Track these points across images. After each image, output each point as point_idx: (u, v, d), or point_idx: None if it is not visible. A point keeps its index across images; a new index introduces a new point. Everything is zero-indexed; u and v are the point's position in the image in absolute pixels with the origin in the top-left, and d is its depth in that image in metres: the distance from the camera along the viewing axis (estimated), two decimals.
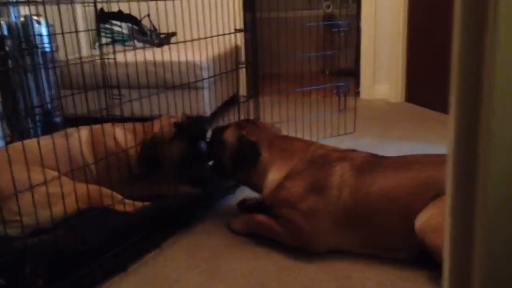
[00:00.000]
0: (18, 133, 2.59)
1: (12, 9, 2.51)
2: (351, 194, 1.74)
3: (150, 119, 2.80)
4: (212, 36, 2.46)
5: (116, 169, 2.08)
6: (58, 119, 2.74)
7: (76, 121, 2.28)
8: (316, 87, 3.22)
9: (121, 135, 2.15)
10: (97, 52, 2.75)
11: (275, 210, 1.89)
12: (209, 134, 2.24)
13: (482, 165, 0.89)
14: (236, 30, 2.53)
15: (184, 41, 2.32)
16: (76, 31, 2.09)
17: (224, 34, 2.51)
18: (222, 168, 2.12)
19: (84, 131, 2.13)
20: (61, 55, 2.88)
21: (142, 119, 2.76)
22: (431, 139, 3.14)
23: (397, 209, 1.68)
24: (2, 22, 2.48)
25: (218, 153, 2.12)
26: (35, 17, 2.60)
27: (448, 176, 0.98)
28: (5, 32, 2.48)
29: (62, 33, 2.33)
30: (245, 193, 2.34)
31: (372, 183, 1.73)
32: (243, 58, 4.12)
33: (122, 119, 2.75)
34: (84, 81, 2.16)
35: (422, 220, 1.60)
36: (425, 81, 3.98)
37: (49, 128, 2.68)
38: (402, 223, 1.68)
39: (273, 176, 1.91)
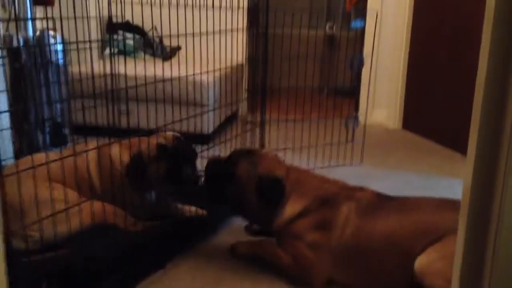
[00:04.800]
0: (27, 143, 2.65)
1: (29, 24, 2.57)
2: (353, 233, 1.84)
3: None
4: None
5: (121, 192, 2.12)
6: (66, 131, 2.80)
7: (84, 130, 2.33)
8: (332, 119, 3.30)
9: (116, 156, 2.18)
10: (105, 63, 2.81)
11: (282, 239, 1.97)
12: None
13: (495, 217, 0.98)
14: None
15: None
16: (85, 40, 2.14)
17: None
18: (228, 200, 2.07)
19: (92, 153, 2.17)
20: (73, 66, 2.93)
21: (149, 132, 2.83)
22: (424, 170, 3.28)
23: (396, 252, 1.77)
24: (19, 37, 2.53)
25: (228, 189, 2.04)
26: (51, 32, 2.66)
27: (460, 223, 1.06)
28: (21, 46, 2.54)
29: (77, 49, 2.39)
30: None
31: (374, 225, 1.82)
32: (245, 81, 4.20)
33: (128, 131, 2.81)
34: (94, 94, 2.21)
35: (422, 264, 1.69)
36: (421, 110, 4.09)
37: (57, 139, 2.74)
38: (400, 263, 1.77)
39: (288, 211, 1.96)
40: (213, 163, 2.13)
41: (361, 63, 3.17)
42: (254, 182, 1.98)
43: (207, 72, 3.03)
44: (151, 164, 2.16)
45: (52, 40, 2.65)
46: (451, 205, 1.84)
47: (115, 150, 2.20)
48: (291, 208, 1.97)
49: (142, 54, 4.14)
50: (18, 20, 2.49)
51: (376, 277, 1.84)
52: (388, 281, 1.83)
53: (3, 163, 2.11)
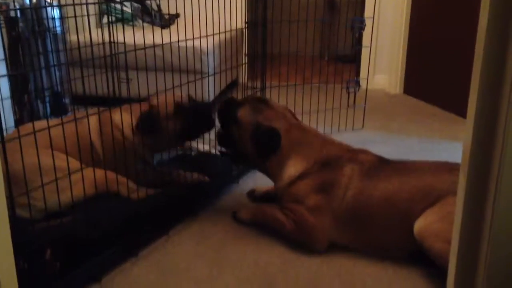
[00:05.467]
0: (28, 113, 2.64)
1: None
2: (355, 195, 1.85)
3: None
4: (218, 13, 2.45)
5: (123, 157, 2.12)
6: (67, 100, 2.79)
7: (84, 100, 2.32)
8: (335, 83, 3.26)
9: (124, 119, 2.18)
10: (104, 31, 2.78)
11: (283, 202, 1.98)
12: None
13: (494, 177, 0.99)
14: (246, 22, 2.55)
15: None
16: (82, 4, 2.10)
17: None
18: (233, 147, 2.12)
19: (92, 119, 2.16)
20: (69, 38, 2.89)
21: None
22: (425, 134, 3.28)
23: (396, 213, 1.79)
24: (16, 4, 2.49)
25: (230, 130, 2.09)
26: None
27: (460, 186, 1.07)
28: (18, 14, 2.50)
29: (75, 16, 2.36)
30: (250, 184, 2.44)
31: (375, 187, 1.83)
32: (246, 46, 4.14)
33: (128, 100, 2.80)
34: (93, 62, 2.20)
35: (421, 225, 1.71)
36: (423, 75, 4.06)
37: (58, 108, 2.73)
38: (400, 225, 1.79)
39: (289, 172, 1.97)
40: (226, 103, 2.17)
41: (362, 25, 3.12)
42: (251, 128, 2.02)
43: (206, 37, 2.99)
44: (168, 120, 2.19)
45: (48, 7, 2.61)
46: (449, 167, 1.84)
47: (116, 115, 2.19)
48: (291, 169, 1.97)
49: (140, 22, 4.08)
50: None
51: (378, 240, 1.87)
52: (389, 244, 1.86)
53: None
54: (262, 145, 2.01)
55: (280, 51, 3.21)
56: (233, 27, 3.54)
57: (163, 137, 2.23)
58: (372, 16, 3.22)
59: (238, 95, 2.80)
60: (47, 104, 2.69)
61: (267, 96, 2.83)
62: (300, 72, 4.15)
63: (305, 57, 3.55)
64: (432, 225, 1.69)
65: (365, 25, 3.16)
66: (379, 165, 1.93)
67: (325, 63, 5.28)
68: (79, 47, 1.95)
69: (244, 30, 2.92)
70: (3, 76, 2.21)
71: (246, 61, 3.12)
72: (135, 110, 2.21)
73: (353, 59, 4.52)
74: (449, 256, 1.23)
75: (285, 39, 3.02)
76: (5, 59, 2.41)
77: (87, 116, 2.10)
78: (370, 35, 3.30)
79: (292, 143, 2.01)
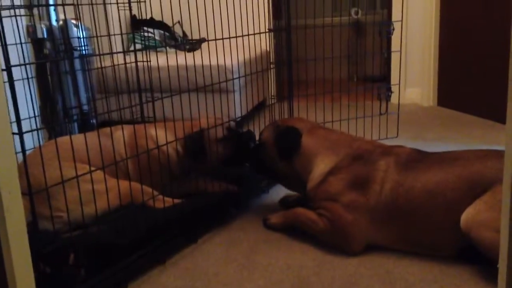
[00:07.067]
0: (55, 133, 2.64)
1: (51, 13, 2.57)
2: (393, 188, 1.72)
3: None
4: (243, 36, 2.43)
5: (153, 169, 2.07)
6: (94, 121, 2.78)
7: (110, 124, 2.30)
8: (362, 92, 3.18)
9: (161, 135, 2.16)
10: (130, 57, 2.80)
11: (316, 202, 1.87)
12: None
13: None
14: (270, 30, 2.53)
15: (215, 40, 2.30)
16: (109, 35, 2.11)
17: (256, 34, 2.48)
18: (266, 169, 2.14)
19: (120, 133, 2.13)
20: (95, 62, 2.91)
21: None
22: (464, 141, 3.13)
23: (440, 205, 1.65)
24: (42, 25, 2.54)
25: (260, 157, 2.12)
26: (73, 21, 2.66)
27: (506, 174, 0.95)
28: (45, 35, 2.54)
29: (98, 36, 2.37)
30: (280, 194, 2.34)
31: (415, 178, 1.71)
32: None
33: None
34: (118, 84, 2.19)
35: (469, 216, 1.57)
36: (457, 84, 3.92)
37: (85, 129, 2.72)
38: (445, 219, 1.65)
39: (319, 169, 1.89)
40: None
41: (390, 29, 3.03)
42: (274, 137, 2.04)
43: (231, 57, 2.96)
44: (216, 143, 2.18)
45: (74, 29, 2.65)
46: (498, 154, 1.70)
47: (152, 130, 2.16)
48: (321, 166, 1.89)
49: (167, 48, 4.13)
50: (40, 6, 2.50)
51: (422, 237, 1.73)
52: (435, 240, 1.71)
53: (31, 151, 2.10)
54: (283, 144, 2.01)
55: (306, 77, 3.14)
56: (258, 48, 3.53)
57: (206, 161, 2.20)
58: (401, 19, 3.09)
59: (266, 117, 2.75)
60: (75, 124, 2.70)
61: (296, 114, 2.75)
62: (329, 93, 4.04)
63: (332, 80, 3.44)
64: (481, 214, 1.55)
65: (393, 29, 3.07)
66: (417, 156, 1.81)
67: (354, 84, 5.20)
68: (102, 70, 1.94)
69: (269, 53, 2.90)
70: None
71: (273, 67, 3.05)
72: (170, 126, 2.16)
73: (383, 78, 4.41)
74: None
75: (311, 63, 2.95)
76: (30, 79, 2.43)
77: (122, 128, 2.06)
78: (400, 38, 3.20)
79: (317, 140, 1.96)
